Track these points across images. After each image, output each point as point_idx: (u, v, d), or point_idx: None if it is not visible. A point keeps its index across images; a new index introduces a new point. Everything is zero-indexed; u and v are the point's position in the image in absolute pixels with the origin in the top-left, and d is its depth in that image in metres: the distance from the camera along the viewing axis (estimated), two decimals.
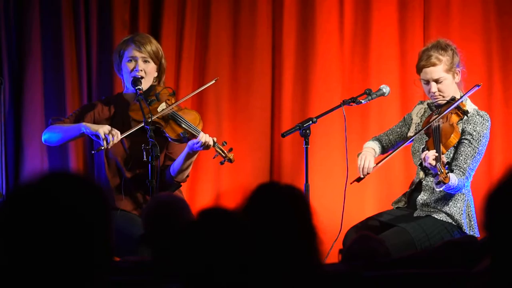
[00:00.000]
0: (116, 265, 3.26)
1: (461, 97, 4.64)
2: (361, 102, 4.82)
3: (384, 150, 4.88)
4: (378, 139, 4.90)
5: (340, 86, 5.80)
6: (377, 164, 4.71)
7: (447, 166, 4.41)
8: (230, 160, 4.82)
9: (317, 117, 4.78)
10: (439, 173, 4.30)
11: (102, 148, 4.67)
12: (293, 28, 5.84)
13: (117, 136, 4.66)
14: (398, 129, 4.91)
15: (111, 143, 4.66)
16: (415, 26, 5.82)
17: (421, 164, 4.51)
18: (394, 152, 4.71)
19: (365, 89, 4.86)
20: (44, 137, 4.85)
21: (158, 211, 3.37)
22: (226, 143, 4.84)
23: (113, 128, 4.68)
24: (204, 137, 4.73)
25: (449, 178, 4.33)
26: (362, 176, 4.67)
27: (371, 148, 4.83)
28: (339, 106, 4.79)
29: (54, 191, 1.77)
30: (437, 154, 4.35)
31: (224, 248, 2.20)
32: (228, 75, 5.80)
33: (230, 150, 4.83)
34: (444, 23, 5.81)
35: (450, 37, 5.74)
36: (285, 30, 5.82)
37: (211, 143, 4.74)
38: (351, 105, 4.82)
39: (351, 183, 4.69)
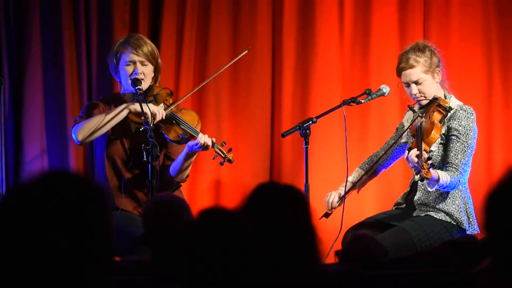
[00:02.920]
0: (116, 265, 3.26)
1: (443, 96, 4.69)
2: (361, 102, 4.83)
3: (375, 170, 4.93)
4: (362, 167, 4.92)
5: (340, 86, 5.80)
6: (340, 199, 4.74)
7: (436, 164, 4.40)
8: (229, 161, 4.82)
9: (317, 117, 4.79)
10: (421, 169, 4.31)
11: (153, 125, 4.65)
12: (293, 28, 5.83)
13: (160, 113, 4.72)
14: (392, 141, 4.89)
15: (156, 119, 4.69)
16: (415, 26, 5.82)
17: None
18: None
19: (365, 89, 4.87)
20: (78, 136, 4.70)
21: (158, 211, 3.37)
22: (225, 143, 4.84)
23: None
24: (203, 138, 4.73)
25: (432, 174, 4.34)
26: (329, 212, 4.73)
27: (349, 182, 4.83)
28: (339, 106, 4.80)
29: (52, 190, 1.77)
30: (418, 152, 4.36)
31: (224, 248, 2.20)
32: (228, 75, 5.80)
33: (230, 150, 4.82)
34: (444, 23, 5.81)
35: (450, 37, 5.75)
36: (285, 30, 5.82)
37: (210, 144, 4.74)
38: (351, 105, 4.82)
39: (319, 218, 4.67)
